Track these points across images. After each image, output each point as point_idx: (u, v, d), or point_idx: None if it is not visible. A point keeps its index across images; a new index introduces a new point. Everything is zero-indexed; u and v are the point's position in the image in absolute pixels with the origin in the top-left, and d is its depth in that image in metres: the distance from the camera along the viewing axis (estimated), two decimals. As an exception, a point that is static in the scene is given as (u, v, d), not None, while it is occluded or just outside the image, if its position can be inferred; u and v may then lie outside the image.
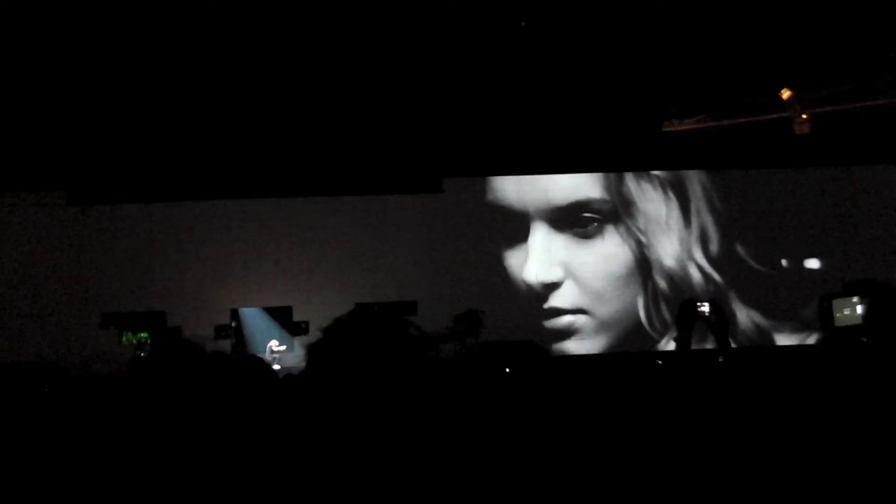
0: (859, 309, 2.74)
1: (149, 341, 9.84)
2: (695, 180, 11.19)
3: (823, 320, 2.83)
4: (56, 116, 9.32)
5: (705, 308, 3.48)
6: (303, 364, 1.90)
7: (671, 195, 11.13)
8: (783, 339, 10.82)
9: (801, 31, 8.49)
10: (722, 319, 3.49)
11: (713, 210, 11.15)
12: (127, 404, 1.90)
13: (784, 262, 11.07)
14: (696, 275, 11.00)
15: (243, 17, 7.95)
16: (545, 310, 10.73)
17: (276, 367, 9.34)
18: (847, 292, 2.80)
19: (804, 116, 9.72)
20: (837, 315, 2.79)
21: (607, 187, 11.07)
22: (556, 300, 10.76)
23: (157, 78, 8.87)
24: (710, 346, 3.68)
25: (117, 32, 8.03)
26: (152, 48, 8.35)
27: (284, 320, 10.37)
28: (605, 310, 10.80)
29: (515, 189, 10.99)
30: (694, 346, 3.65)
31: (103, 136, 9.68)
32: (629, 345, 10.67)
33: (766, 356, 10.07)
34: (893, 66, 9.11)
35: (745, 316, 10.89)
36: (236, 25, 8.03)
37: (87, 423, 2.04)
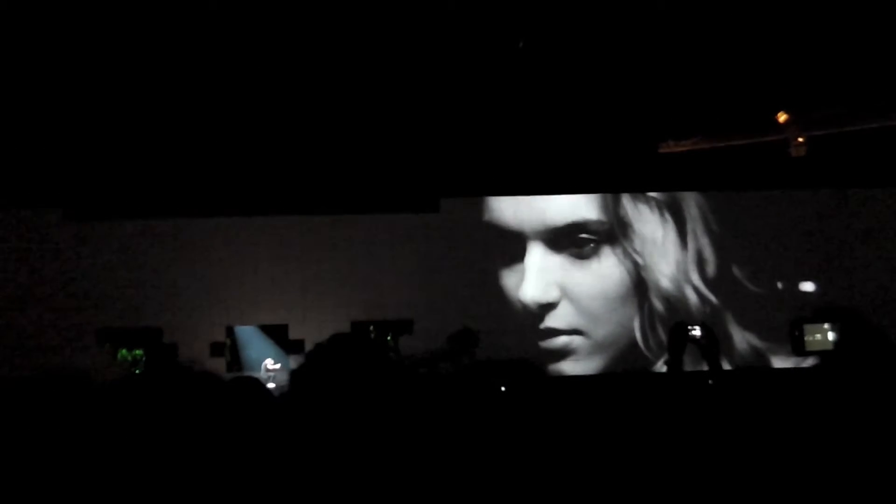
0: (830, 335, 2.75)
1: (144, 358, 9.82)
2: (691, 202, 11.22)
3: (794, 345, 2.84)
4: (53, 132, 9.33)
5: (696, 331, 3.48)
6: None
7: (667, 216, 11.15)
8: (779, 362, 10.81)
9: (798, 53, 8.54)
10: (713, 342, 3.50)
11: (709, 231, 11.17)
12: (115, 421, 1.90)
13: (780, 285, 11.08)
14: (692, 296, 11.01)
15: (241, 35, 7.99)
16: (541, 330, 10.72)
17: (272, 385, 9.32)
18: (818, 318, 2.81)
19: (801, 139, 9.76)
20: (808, 339, 2.80)
21: (604, 208, 11.09)
22: (552, 320, 10.76)
23: (155, 95, 8.90)
24: (704, 368, 3.68)
25: (115, 48, 8.05)
26: (149, 66, 8.38)
27: (280, 338, 10.34)
28: (601, 330, 10.80)
29: (512, 209, 11.01)
30: (688, 369, 3.66)
31: (100, 152, 9.70)
32: (625, 366, 10.66)
33: (762, 378, 10.06)
34: (890, 88, 9.15)
35: (740, 338, 10.89)
36: (232, 43, 8.07)
37: (80, 438, 2.04)
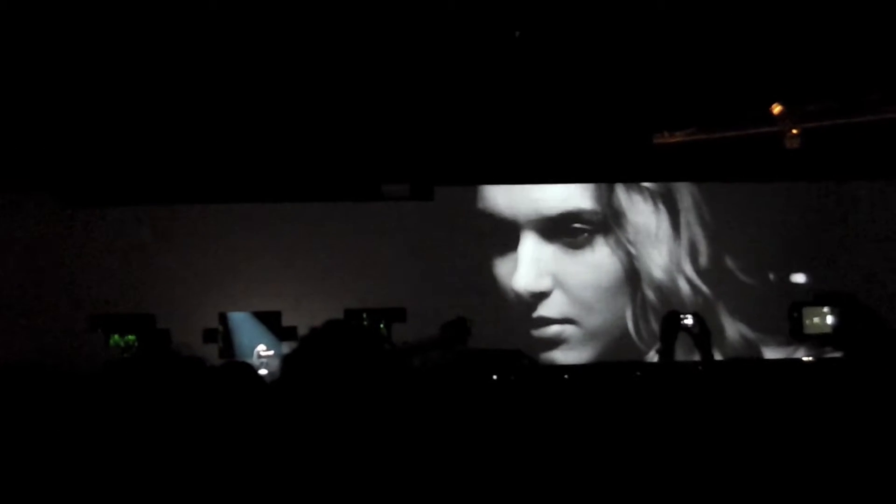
0: (829, 318, 2.76)
1: (137, 344, 9.82)
2: (685, 192, 11.23)
3: (793, 328, 2.85)
4: (45, 117, 9.29)
5: (688, 320, 3.50)
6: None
7: (661, 207, 11.17)
8: (770, 352, 10.84)
9: (792, 45, 8.54)
10: (704, 331, 3.51)
11: (702, 222, 11.19)
12: (103, 407, 1.90)
13: (772, 276, 11.11)
14: (684, 286, 11.03)
15: (235, 19, 7.95)
16: (534, 319, 10.74)
17: (264, 371, 9.33)
18: (817, 302, 2.82)
19: (795, 131, 9.76)
20: (807, 322, 2.81)
21: (598, 198, 11.10)
22: (544, 309, 10.78)
23: (148, 81, 8.86)
24: (696, 357, 3.69)
25: (108, 32, 8.01)
26: (144, 50, 8.34)
27: (273, 325, 10.35)
28: (594, 320, 10.82)
29: (506, 198, 11.01)
30: (680, 358, 3.67)
31: (93, 137, 9.66)
32: (617, 355, 10.69)
33: (753, 368, 10.10)
34: (885, 81, 9.16)
35: (732, 328, 10.92)
36: (227, 28, 8.03)
37: (72, 424, 2.04)
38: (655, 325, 10.59)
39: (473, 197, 11.03)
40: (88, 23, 7.85)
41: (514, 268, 10.86)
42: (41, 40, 8.09)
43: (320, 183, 10.44)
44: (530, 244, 10.91)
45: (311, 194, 10.59)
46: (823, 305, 2.63)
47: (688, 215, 11.19)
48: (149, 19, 7.84)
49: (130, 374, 1.95)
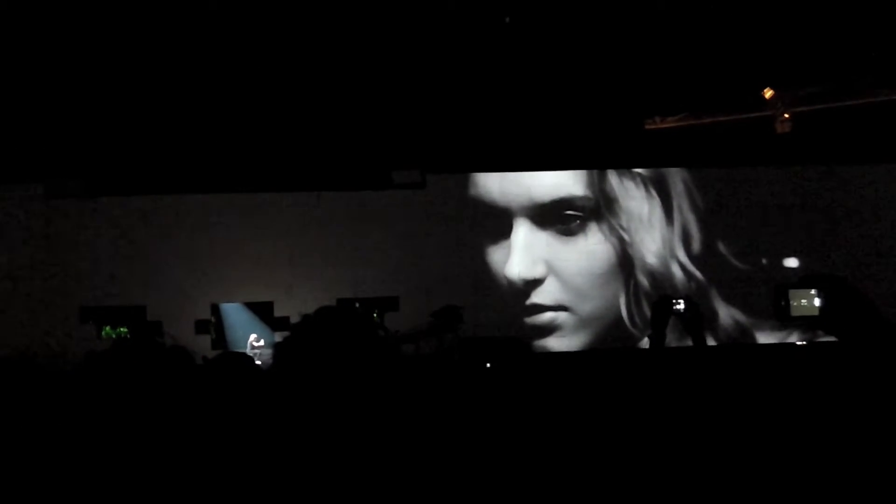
0: (816, 301, 2.73)
1: (128, 336, 9.79)
2: (677, 178, 11.22)
3: (779, 310, 2.82)
4: (35, 109, 9.24)
5: (680, 305, 3.48)
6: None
7: (653, 193, 11.16)
8: (764, 337, 10.87)
9: (783, 30, 8.53)
10: (696, 316, 3.50)
11: (695, 208, 11.19)
12: (88, 399, 1.89)
13: (765, 261, 11.13)
14: (677, 272, 11.04)
15: (227, 11, 7.91)
16: (527, 306, 10.74)
17: (257, 362, 9.30)
18: (804, 284, 2.80)
19: (786, 115, 9.77)
20: (794, 305, 2.78)
21: (590, 185, 11.08)
22: (537, 297, 10.77)
23: (138, 71, 8.82)
24: (688, 343, 3.69)
25: (97, 25, 7.97)
26: (131, 41, 8.29)
27: (265, 315, 10.32)
28: (587, 307, 10.83)
29: (498, 186, 10.99)
30: (672, 344, 3.67)
31: (82, 129, 9.61)
32: (610, 341, 10.70)
33: (747, 353, 10.13)
34: (875, 65, 9.16)
35: (726, 313, 10.94)
36: (218, 20, 7.99)
37: (64, 418, 2.02)
38: (649, 311, 10.59)
39: (465, 185, 11.01)
40: (81, 17, 7.82)
41: (507, 255, 10.85)
42: (32, 33, 8.04)
43: (312, 172, 10.40)
44: (523, 231, 10.90)
45: (302, 183, 10.55)
46: (810, 288, 2.60)
47: (680, 201, 11.19)
48: (140, 17, 7.80)
49: (114, 366, 1.93)
